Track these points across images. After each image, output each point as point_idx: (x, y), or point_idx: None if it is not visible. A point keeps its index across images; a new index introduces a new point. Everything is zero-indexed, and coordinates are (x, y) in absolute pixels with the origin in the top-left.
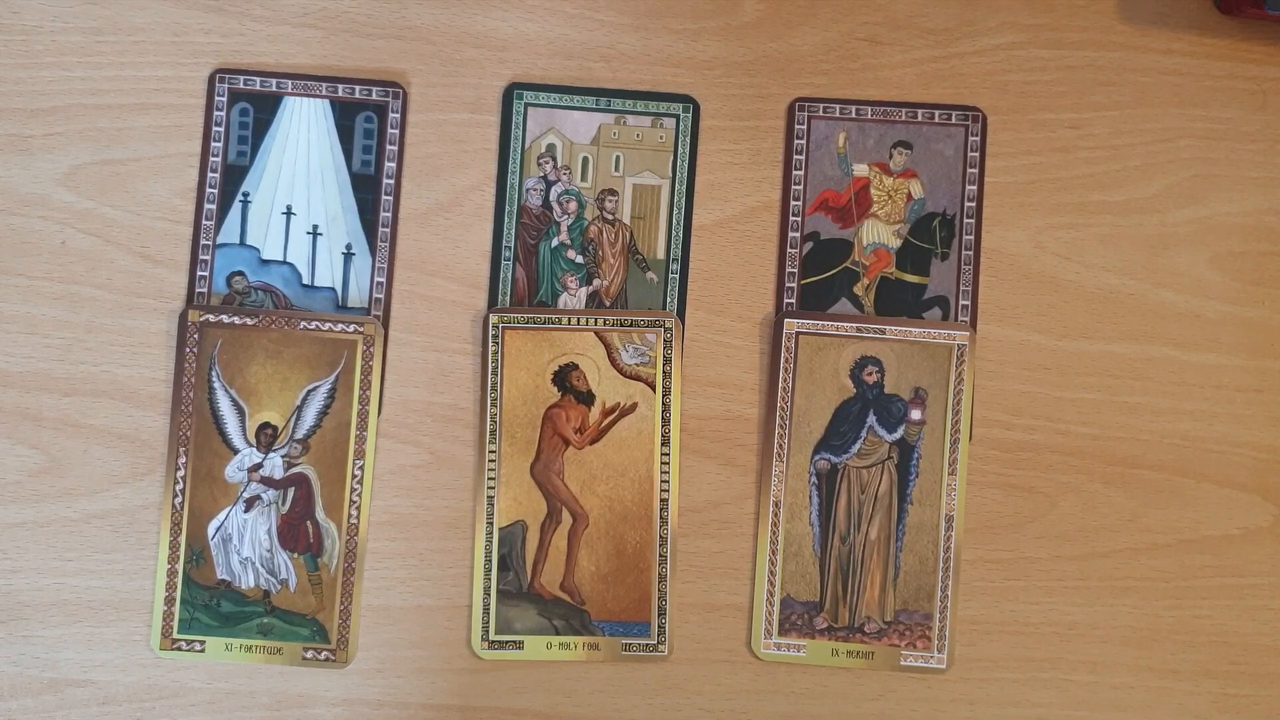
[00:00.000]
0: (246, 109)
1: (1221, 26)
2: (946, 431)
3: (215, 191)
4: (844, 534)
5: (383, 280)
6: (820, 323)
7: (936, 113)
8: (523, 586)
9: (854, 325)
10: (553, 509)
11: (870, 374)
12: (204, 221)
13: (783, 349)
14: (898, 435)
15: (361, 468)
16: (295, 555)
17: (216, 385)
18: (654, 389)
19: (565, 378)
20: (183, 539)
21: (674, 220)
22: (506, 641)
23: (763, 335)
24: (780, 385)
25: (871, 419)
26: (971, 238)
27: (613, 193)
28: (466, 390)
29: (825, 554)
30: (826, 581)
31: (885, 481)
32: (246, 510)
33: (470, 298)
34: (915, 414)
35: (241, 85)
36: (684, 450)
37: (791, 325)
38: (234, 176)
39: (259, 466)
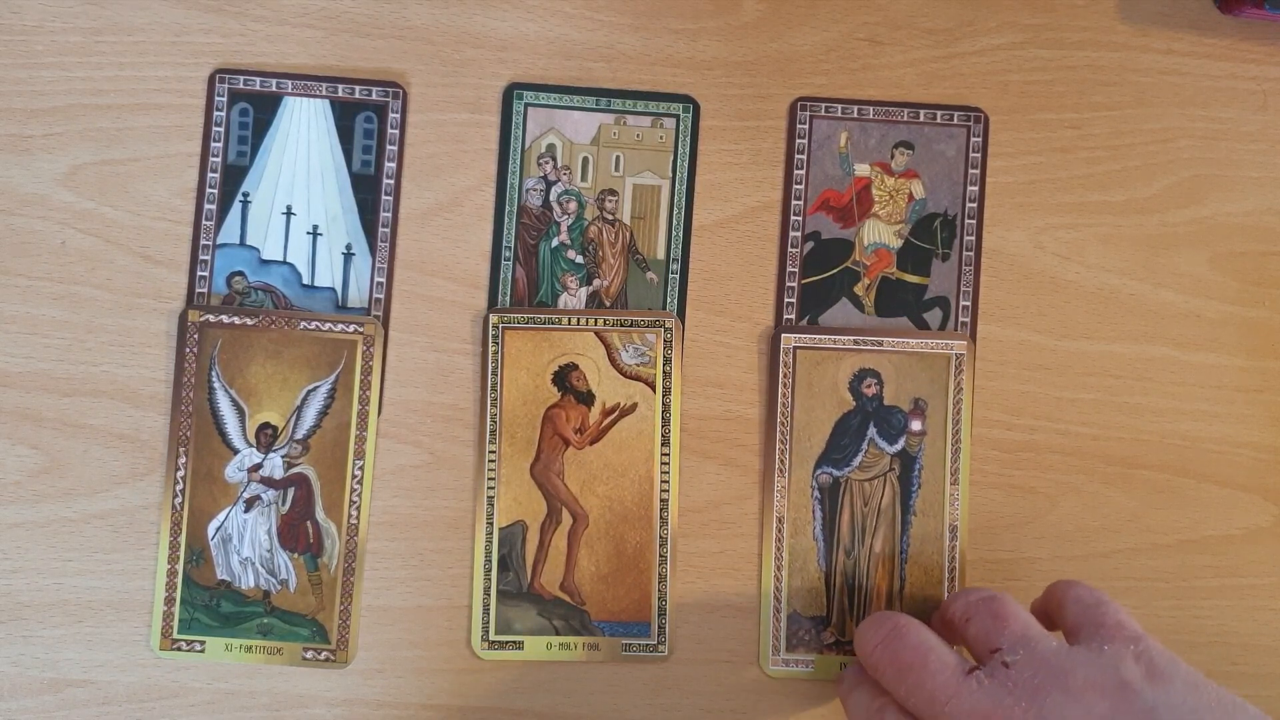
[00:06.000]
0: (246, 109)
1: (1221, 26)
2: (947, 442)
3: (215, 191)
4: (848, 548)
5: (383, 280)
6: (818, 337)
7: (938, 113)
8: (523, 587)
9: (851, 338)
10: (553, 509)
11: (869, 386)
12: (204, 221)
13: (780, 364)
14: (899, 447)
15: (361, 468)
16: (295, 555)
17: (216, 385)
18: (654, 389)
19: (565, 378)
20: (183, 539)
21: (674, 220)
22: (506, 642)
23: (761, 340)
24: (780, 400)
25: (872, 431)
26: (972, 238)
27: (613, 193)
28: (466, 390)
29: (830, 568)
30: (832, 596)
31: (888, 494)
32: (246, 510)
33: (470, 298)
34: (915, 425)
35: (241, 85)
36: (684, 450)
37: (789, 340)
38: (234, 176)
39: (259, 466)
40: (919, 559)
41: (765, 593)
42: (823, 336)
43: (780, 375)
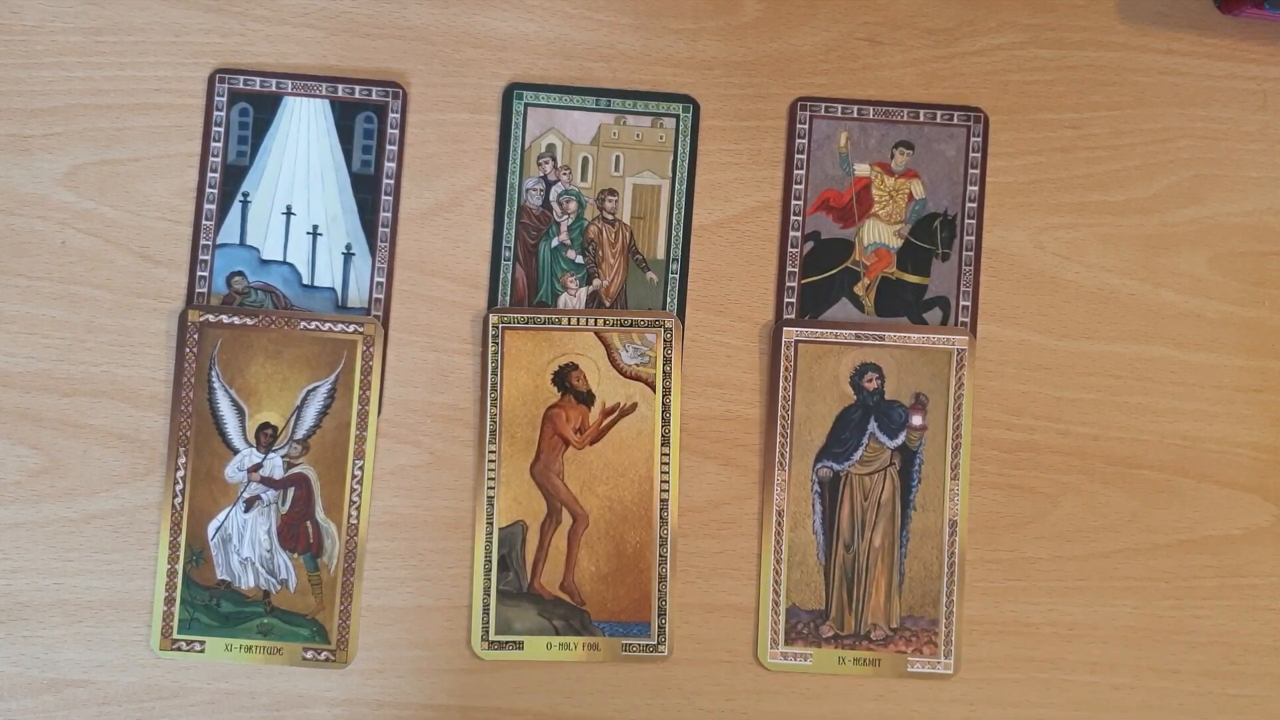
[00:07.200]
0: (246, 109)
1: (1221, 26)
2: (948, 437)
3: (215, 191)
4: (848, 541)
5: (383, 280)
6: (819, 331)
7: (939, 113)
8: (523, 587)
9: (853, 332)
10: (553, 509)
11: (870, 381)
12: (204, 221)
13: (782, 358)
14: (899, 441)
15: (361, 468)
16: (295, 555)
17: (216, 385)
18: (654, 389)
19: (565, 378)
20: (183, 539)
21: (674, 220)
22: (506, 642)
23: (762, 338)
24: (780, 394)
25: (873, 426)
26: (972, 238)
27: (613, 193)
28: (466, 390)
29: (830, 562)
30: (831, 589)
31: (888, 488)
32: (246, 510)
33: (470, 298)
34: (916, 420)
35: (241, 85)
36: (684, 450)
37: (790, 334)
38: (234, 176)
39: (259, 466)
40: (918, 553)
41: (764, 586)
42: (824, 330)
43: (781, 369)
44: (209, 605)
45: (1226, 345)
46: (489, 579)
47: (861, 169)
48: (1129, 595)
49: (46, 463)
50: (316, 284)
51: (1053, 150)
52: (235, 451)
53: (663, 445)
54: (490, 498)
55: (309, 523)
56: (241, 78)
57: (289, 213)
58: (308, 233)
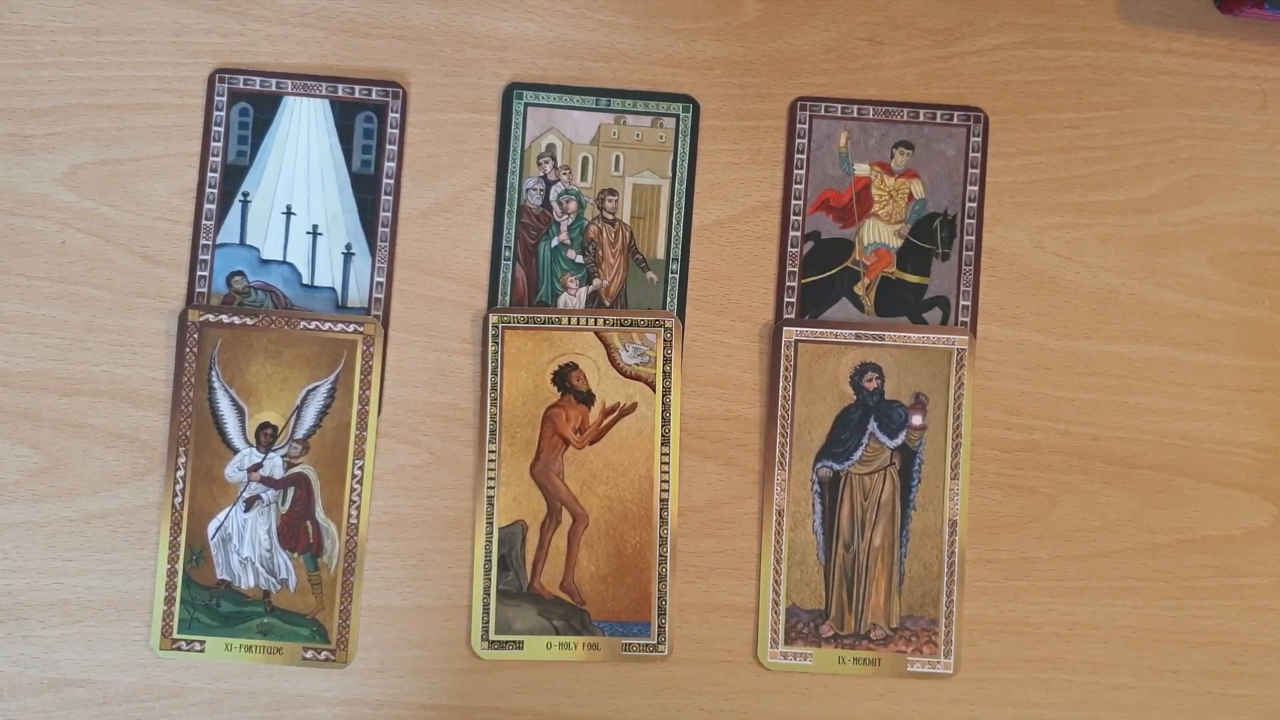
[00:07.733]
0: (246, 109)
1: (1221, 26)
2: (948, 436)
3: (215, 191)
4: (848, 541)
5: (383, 280)
6: (819, 330)
7: (938, 113)
8: (523, 586)
9: (853, 332)
10: (553, 509)
11: (870, 380)
12: (204, 221)
13: (782, 357)
14: (899, 441)
15: (361, 468)
16: (295, 555)
17: (216, 385)
18: (654, 389)
19: (565, 378)
20: (182, 539)
21: (674, 220)
22: (506, 641)
23: (762, 338)
24: (780, 393)
25: (872, 425)
26: (972, 238)
27: (613, 193)
28: (466, 390)
29: (829, 562)
30: (831, 589)
31: (888, 488)
32: (246, 510)
33: (470, 298)
34: (916, 419)
35: (241, 85)
36: (684, 450)
37: (790, 334)
38: (234, 176)
39: (259, 466)
40: (918, 553)
41: (764, 586)
42: (824, 330)
43: (781, 369)
44: (209, 605)
45: (1226, 345)
46: (489, 579)
47: (861, 169)
48: (1129, 595)
49: (46, 463)
50: (316, 284)
51: (1053, 150)
52: (235, 451)
53: (663, 445)
54: (490, 497)
55: (309, 522)
56: (241, 78)
57: (289, 212)
58: (308, 232)
